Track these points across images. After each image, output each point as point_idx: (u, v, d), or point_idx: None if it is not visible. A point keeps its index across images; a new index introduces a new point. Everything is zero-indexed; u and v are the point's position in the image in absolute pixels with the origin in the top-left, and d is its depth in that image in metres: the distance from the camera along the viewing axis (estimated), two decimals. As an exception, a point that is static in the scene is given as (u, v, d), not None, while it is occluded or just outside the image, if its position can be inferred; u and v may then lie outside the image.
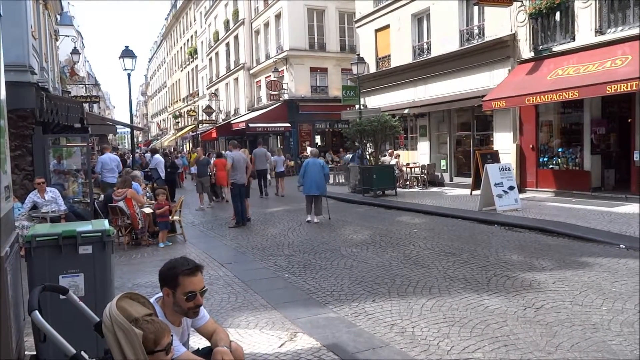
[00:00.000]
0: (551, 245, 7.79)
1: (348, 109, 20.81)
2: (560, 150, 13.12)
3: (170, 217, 9.40)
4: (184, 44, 54.22)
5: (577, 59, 11.79)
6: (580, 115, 12.73)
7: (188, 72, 52.73)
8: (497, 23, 14.26)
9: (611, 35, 11.40)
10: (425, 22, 17.79)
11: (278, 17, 29.77)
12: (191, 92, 51.29)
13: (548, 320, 4.53)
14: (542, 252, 7.23)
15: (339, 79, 29.33)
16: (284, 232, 9.91)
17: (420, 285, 5.81)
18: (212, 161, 15.41)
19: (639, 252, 6.84)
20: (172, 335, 2.38)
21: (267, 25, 31.64)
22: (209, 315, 2.98)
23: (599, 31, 11.68)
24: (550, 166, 13.24)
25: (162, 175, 15.61)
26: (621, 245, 7.42)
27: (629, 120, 11.62)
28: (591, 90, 10.57)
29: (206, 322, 2.90)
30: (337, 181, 20.21)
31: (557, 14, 12.59)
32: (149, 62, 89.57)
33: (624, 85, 9.80)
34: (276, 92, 28.65)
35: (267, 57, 31.57)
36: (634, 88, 9.71)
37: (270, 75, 29.49)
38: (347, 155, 19.90)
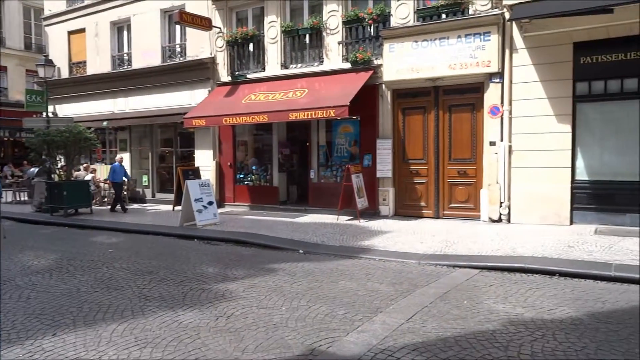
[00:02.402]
0: (244, 255, 8.41)
1: (34, 115, 18.14)
2: (254, 168, 14.42)
3: None
4: None
5: (267, 87, 13.22)
6: (270, 137, 14.29)
7: None
8: (199, 45, 14.80)
9: (293, 70, 13.24)
10: (126, 32, 17.07)
11: None
12: None
13: (237, 327, 4.82)
14: (236, 263, 7.73)
15: (22, 81, 25.40)
16: None
17: (111, 309, 5.40)
18: None
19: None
20: None
21: None
22: None
23: (284, 65, 13.42)
24: (246, 182, 14.40)
25: None
26: (300, 251, 8.58)
27: (307, 144, 13.64)
28: (277, 116, 12.00)
29: None
30: (18, 199, 17.29)
31: (251, 45, 13.89)
32: None
33: (302, 114, 11.47)
34: None
35: None
36: (309, 117, 11.48)
37: None
38: (32, 169, 17.24)
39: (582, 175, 9.95)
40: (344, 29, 12.44)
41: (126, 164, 17.09)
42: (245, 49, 14.12)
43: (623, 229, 9.14)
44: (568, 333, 4.52)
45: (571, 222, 9.87)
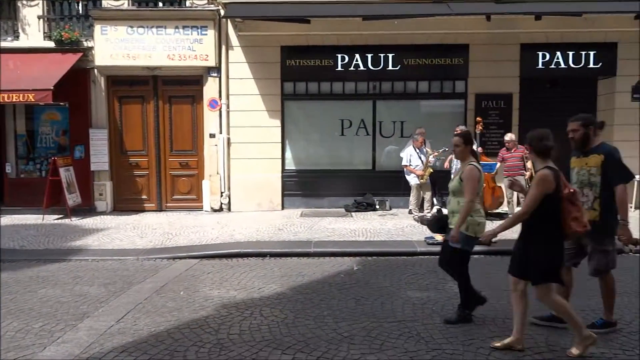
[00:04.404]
0: None
1: None
2: None
3: None
4: None
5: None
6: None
7: None
8: None
9: (-23, 42, 10.91)
10: None
11: None
12: None
13: None
14: None
15: None
16: None
17: None
18: None
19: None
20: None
21: None
22: None
23: (-36, 35, 10.94)
24: None
25: None
26: (-11, 260, 7.18)
27: (1, 133, 11.46)
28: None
29: None
30: None
31: None
32: None
33: (-11, 97, 9.57)
34: None
35: None
36: (1, 100, 9.66)
37: None
38: None
39: (290, 165, 11.15)
40: (45, 2, 10.86)
41: None
42: None
43: (322, 211, 10.65)
44: (273, 307, 4.98)
45: (282, 207, 10.96)
